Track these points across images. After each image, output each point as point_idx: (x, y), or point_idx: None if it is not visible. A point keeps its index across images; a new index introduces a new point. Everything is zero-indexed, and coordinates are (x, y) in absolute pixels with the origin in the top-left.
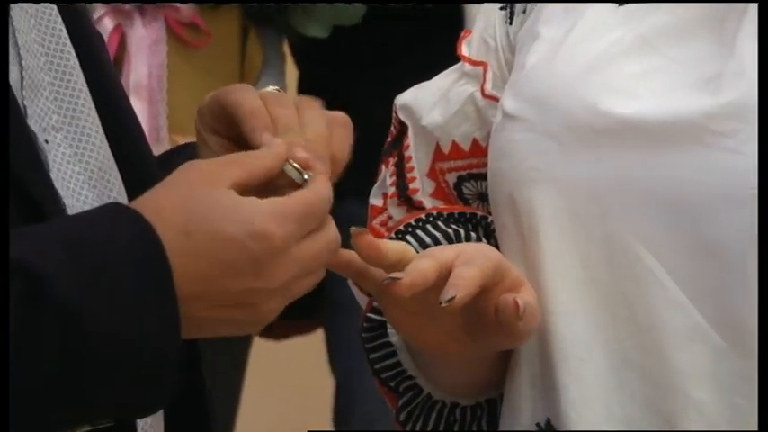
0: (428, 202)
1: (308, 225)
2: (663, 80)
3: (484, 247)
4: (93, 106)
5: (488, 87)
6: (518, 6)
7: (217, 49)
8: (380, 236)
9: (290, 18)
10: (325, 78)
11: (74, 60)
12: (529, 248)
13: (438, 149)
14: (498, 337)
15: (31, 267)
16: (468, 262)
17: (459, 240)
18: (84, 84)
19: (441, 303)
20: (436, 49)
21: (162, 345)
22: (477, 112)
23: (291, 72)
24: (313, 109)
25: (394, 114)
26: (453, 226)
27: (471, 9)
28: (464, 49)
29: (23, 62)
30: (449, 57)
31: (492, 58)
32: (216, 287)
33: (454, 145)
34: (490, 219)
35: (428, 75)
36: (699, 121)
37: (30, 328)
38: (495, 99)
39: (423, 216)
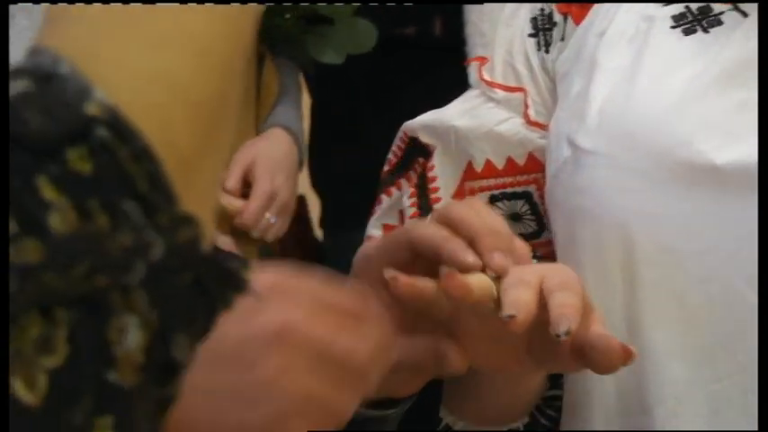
0: None
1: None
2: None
3: (561, 267)
4: None
5: (532, 114)
6: (554, 34)
7: None
8: None
9: (306, 44)
10: (339, 106)
11: None
12: (622, 288)
13: (470, 168)
14: (568, 364)
15: None
16: (564, 287)
17: None
18: None
19: (558, 337)
20: (446, 79)
21: None
22: (516, 136)
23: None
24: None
25: (400, 141)
26: None
27: (478, 39)
28: (485, 76)
29: None
30: (458, 86)
31: (530, 86)
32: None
33: (488, 163)
34: None
35: (438, 103)
36: None
37: None
38: (540, 126)
39: None
